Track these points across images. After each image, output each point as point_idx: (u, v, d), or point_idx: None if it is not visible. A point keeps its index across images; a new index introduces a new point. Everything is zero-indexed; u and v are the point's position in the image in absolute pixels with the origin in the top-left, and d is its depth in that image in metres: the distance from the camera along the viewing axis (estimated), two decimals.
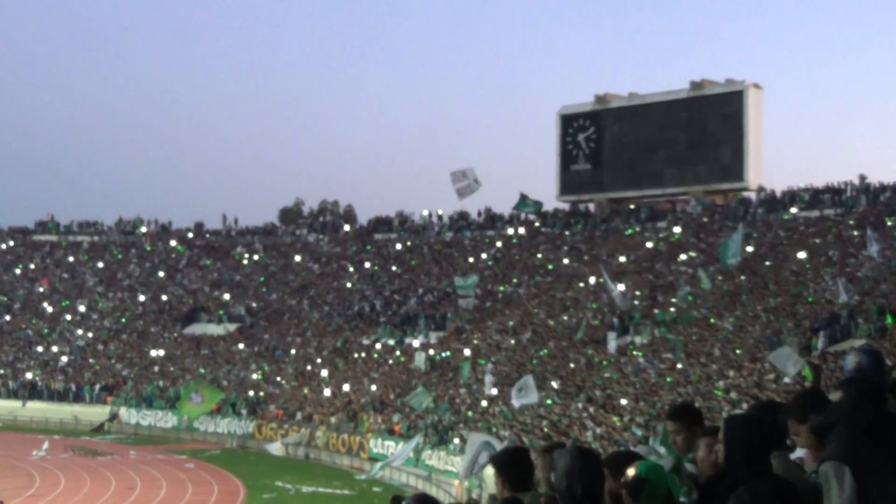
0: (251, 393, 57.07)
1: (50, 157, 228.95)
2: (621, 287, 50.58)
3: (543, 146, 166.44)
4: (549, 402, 41.23)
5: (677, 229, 61.69)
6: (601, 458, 4.75)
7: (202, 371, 62.06)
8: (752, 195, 64.92)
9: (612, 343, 46.57)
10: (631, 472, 4.42)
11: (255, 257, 77.51)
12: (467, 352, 52.51)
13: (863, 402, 3.74)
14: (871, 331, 38.06)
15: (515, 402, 38.59)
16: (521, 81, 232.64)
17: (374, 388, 52.81)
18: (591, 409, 40.27)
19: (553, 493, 4.79)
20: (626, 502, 4.42)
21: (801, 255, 50.09)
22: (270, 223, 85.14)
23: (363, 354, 58.61)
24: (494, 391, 45.34)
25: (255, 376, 59.65)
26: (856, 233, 50.92)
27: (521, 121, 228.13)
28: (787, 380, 34.27)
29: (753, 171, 66.40)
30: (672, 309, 48.85)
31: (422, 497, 5.63)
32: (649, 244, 60.78)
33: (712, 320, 46.02)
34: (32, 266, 79.71)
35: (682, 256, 56.68)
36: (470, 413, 44.26)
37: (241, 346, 64.90)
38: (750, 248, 50.14)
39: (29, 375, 65.18)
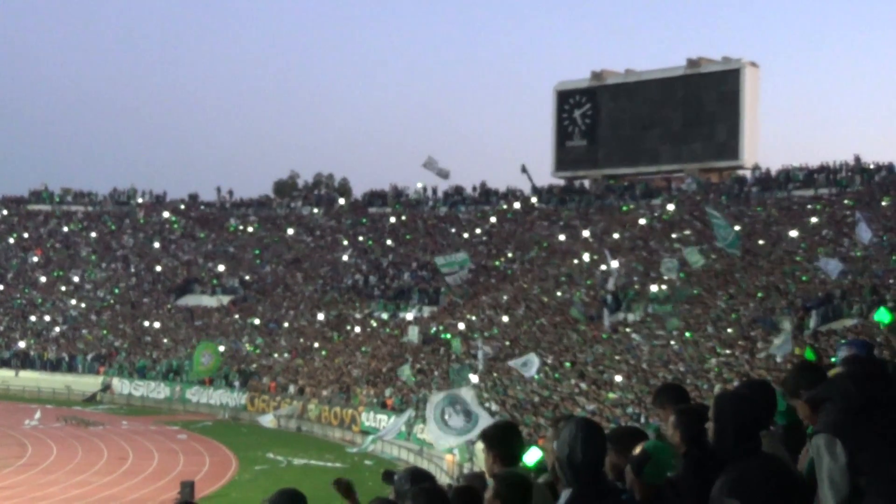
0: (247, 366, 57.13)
1: (45, 127, 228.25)
2: (615, 264, 50.57)
3: (539, 122, 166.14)
4: (537, 377, 41.22)
5: (672, 206, 61.68)
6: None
7: (194, 342, 62.09)
8: (748, 173, 64.92)
9: (608, 320, 46.59)
10: (639, 448, 4.54)
11: (250, 229, 77.42)
12: (461, 325, 52.53)
13: (862, 379, 3.73)
14: (864, 310, 38.06)
15: (525, 373, 39.05)
16: (518, 57, 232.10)
17: (366, 361, 52.86)
18: (584, 385, 40.34)
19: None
20: (628, 477, 4.52)
21: (793, 233, 50.07)
22: (265, 195, 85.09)
23: (357, 328, 58.64)
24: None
25: (248, 347, 59.66)
26: (847, 213, 50.87)
27: (517, 96, 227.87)
28: (778, 359, 34.37)
29: (749, 150, 66.37)
30: (664, 287, 48.83)
31: (414, 470, 5.62)
32: (643, 221, 60.75)
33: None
34: (26, 235, 79.56)
35: (675, 234, 56.67)
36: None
37: (235, 316, 64.90)
38: (738, 227, 50.08)
39: (22, 345, 65.21)
